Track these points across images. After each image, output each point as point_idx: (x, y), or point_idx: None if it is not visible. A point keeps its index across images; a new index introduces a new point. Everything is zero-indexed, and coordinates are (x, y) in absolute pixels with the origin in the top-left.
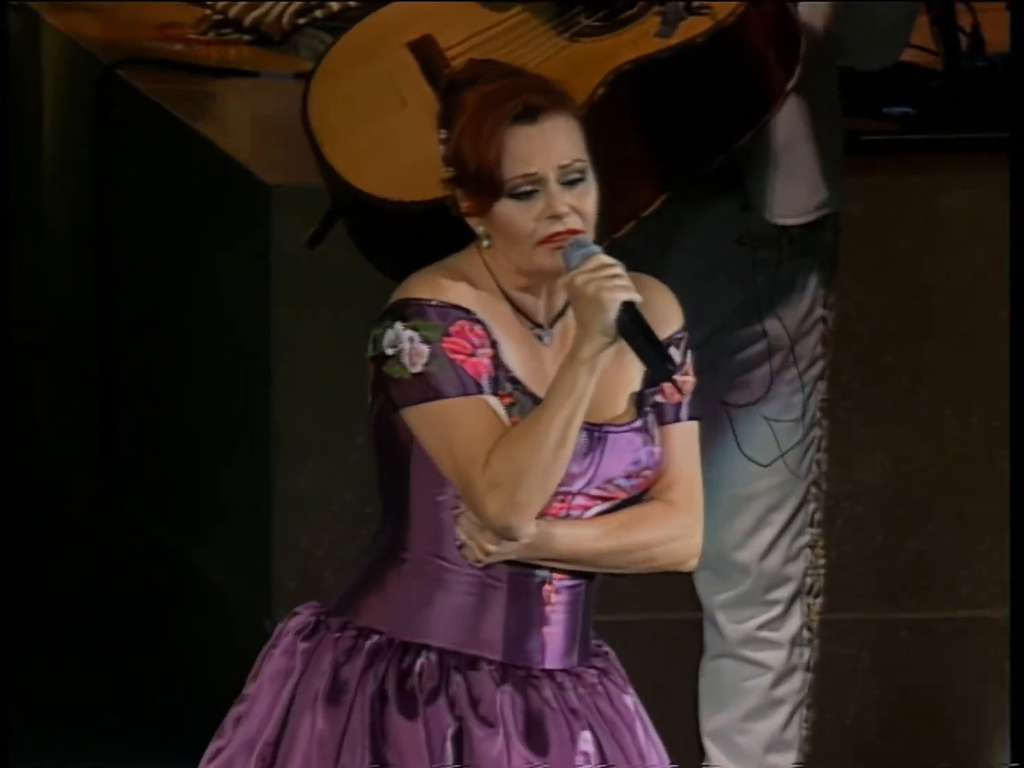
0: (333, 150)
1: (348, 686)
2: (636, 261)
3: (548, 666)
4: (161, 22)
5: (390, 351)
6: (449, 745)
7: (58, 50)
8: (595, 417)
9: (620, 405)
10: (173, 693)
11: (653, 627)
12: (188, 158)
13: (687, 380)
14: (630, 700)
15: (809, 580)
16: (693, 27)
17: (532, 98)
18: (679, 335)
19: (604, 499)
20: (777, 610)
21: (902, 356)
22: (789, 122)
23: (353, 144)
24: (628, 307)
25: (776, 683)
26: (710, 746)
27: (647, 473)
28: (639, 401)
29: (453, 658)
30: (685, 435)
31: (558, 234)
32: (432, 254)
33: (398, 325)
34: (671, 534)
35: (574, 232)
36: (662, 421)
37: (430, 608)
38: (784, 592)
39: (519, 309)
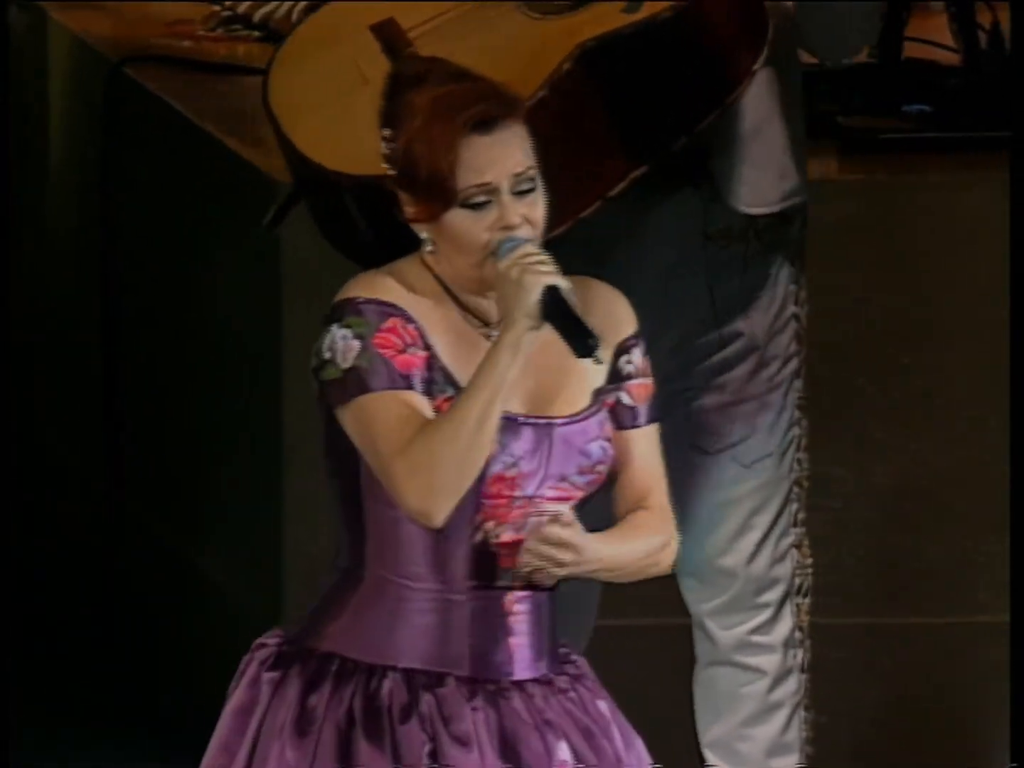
0: (293, 128)
1: (316, 714)
2: (605, 261)
3: (518, 677)
4: (170, 19)
5: (327, 355)
6: (426, 762)
7: (65, 48)
8: (542, 411)
9: (573, 401)
10: (174, 694)
11: (653, 632)
12: (196, 156)
13: (646, 383)
14: (604, 705)
15: (798, 580)
16: (659, 3)
17: (488, 108)
18: (632, 339)
19: (562, 499)
20: (767, 613)
21: (915, 357)
22: (756, 109)
23: (313, 122)
24: (552, 290)
25: (772, 687)
26: (710, 756)
27: (600, 468)
28: (594, 396)
29: (421, 676)
30: (648, 438)
31: None
32: (392, 231)
33: (333, 327)
34: (665, 539)
35: None
36: (622, 425)
37: (393, 628)
38: (773, 595)
39: (467, 309)
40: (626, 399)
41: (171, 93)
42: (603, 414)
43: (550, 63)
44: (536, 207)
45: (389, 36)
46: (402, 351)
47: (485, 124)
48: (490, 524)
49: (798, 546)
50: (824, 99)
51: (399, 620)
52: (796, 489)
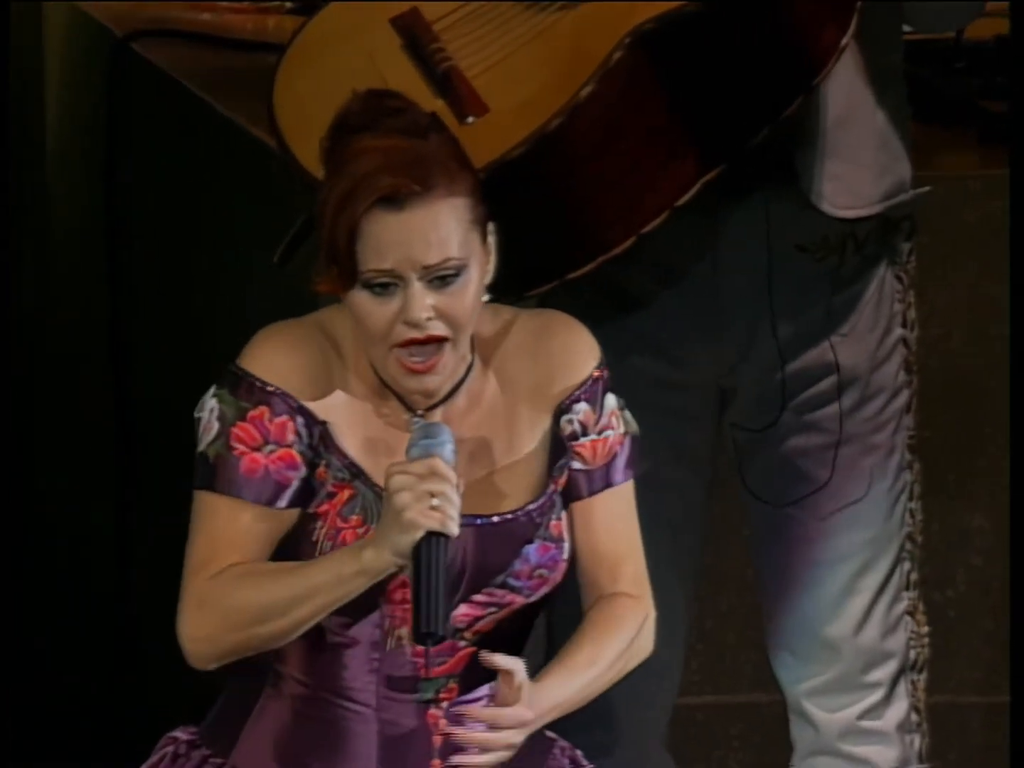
0: (301, 144)
1: None
2: (675, 282)
3: None
4: None
5: (197, 415)
6: None
7: (63, 20)
8: (472, 508)
9: (515, 495)
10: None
11: (739, 711)
12: (215, 146)
13: (602, 438)
14: None
15: (912, 653)
16: None
17: (400, 182)
18: (577, 393)
19: (496, 605)
20: (879, 694)
21: None
22: (841, 94)
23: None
24: (435, 537)
25: None
26: None
27: (543, 572)
28: (544, 484)
29: None
30: (619, 500)
31: (415, 341)
32: None
33: (212, 390)
34: (635, 627)
35: (434, 339)
36: (579, 496)
37: (292, 742)
38: (885, 671)
39: (392, 390)
40: (578, 464)
41: (187, 73)
42: (552, 507)
43: (598, 52)
44: (459, 298)
45: (411, 30)
46: (257, 448)
47: (393, 200)
48: (403, 630)
49: (912, 613)
50: (961, 79)
51: (299, 732)
52: (908, 545)
